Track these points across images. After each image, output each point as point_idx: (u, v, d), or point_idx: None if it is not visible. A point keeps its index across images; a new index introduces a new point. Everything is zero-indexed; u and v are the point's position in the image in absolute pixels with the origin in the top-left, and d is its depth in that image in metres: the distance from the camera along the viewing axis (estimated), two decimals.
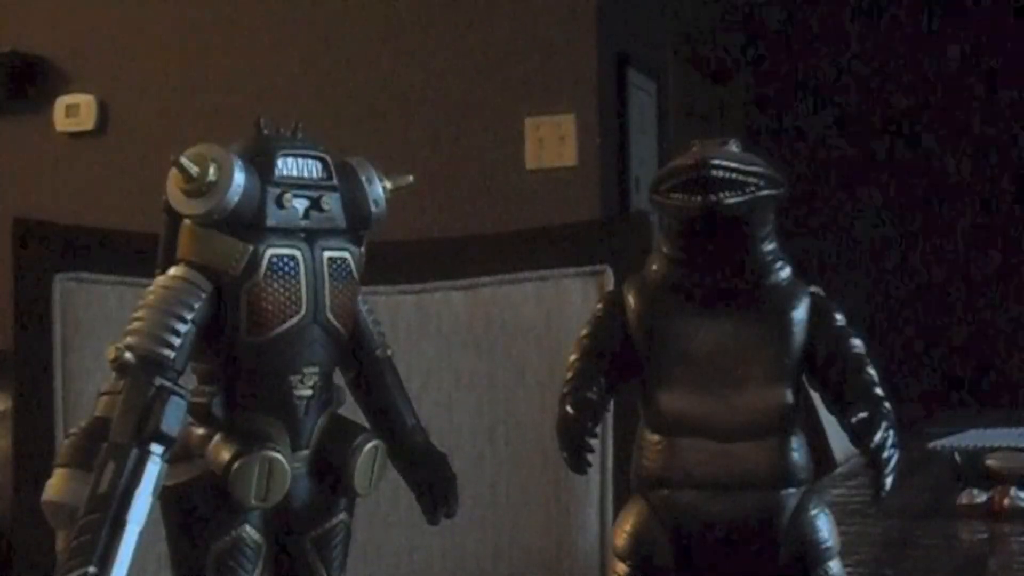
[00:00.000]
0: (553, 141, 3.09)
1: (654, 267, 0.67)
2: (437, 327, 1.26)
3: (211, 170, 0.61)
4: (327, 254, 0.65)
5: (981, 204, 4.69)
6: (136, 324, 0.61)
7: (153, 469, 0.58)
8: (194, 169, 0.61)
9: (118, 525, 0.56)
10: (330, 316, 0.65)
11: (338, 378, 0.68)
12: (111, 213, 2.51)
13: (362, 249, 0.68)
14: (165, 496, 0.61)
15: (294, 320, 0.63)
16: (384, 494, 1.23)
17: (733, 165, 0.63)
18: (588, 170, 3.09)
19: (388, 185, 0.69)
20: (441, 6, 3.21)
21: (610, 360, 0.67)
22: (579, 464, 0.65)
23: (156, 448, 0.58)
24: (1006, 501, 1.21)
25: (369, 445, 0.66)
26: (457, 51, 3.18)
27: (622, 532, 0.65)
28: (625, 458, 0.65)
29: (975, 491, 1.24)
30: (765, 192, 0.63)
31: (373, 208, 0.68)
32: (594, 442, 0.65)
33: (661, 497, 0.64)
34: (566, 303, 1.24)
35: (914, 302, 4.72)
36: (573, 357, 0.67)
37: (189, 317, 0.61)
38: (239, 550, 0.62)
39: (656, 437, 0.65)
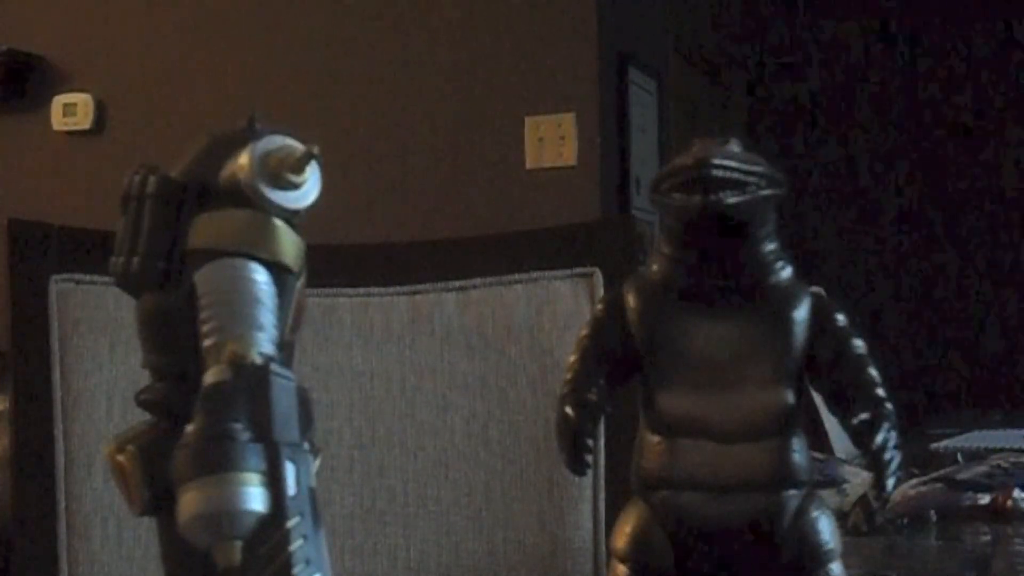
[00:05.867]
0: (553, 141, 3.09)
1: (654, 267, 0.66)
2: (430, 328, 1.26)
3: (310, 167, 0.58)
4: None
5: (984, 203, 4.68)
6: (247, 321, 0.57)
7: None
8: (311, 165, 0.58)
9: (318, 525, 0.55)
10: None
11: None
12: (109, 213, 2.49)
13: None
14: None
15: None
16: (380, 492, 1.24)
17: (734, 165, 0.62)
18: (588, 170, 3.08)
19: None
20: (441, 6, 3.21)
21: (610, 361, 0.66)
22: (578, 465, 0.64)
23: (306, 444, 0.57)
24: (1009, 503, 1.21)
25: None
26: (457, 51, 3.17)
27: (622, 534, 0.65)
28: (618, 456, 0.64)
29: (976, 492, 1.24)
30: (766, 192, 0.63)
31: None
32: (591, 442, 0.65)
33: (661, 498, 0.64)
34: (556, 304, 1.25)
35: (916, 302, 4.72)
36: (573, 358, 0.67)
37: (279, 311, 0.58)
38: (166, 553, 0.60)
39: (656, 438, 0.64)
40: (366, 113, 3.18)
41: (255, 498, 0.53)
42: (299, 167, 0.58)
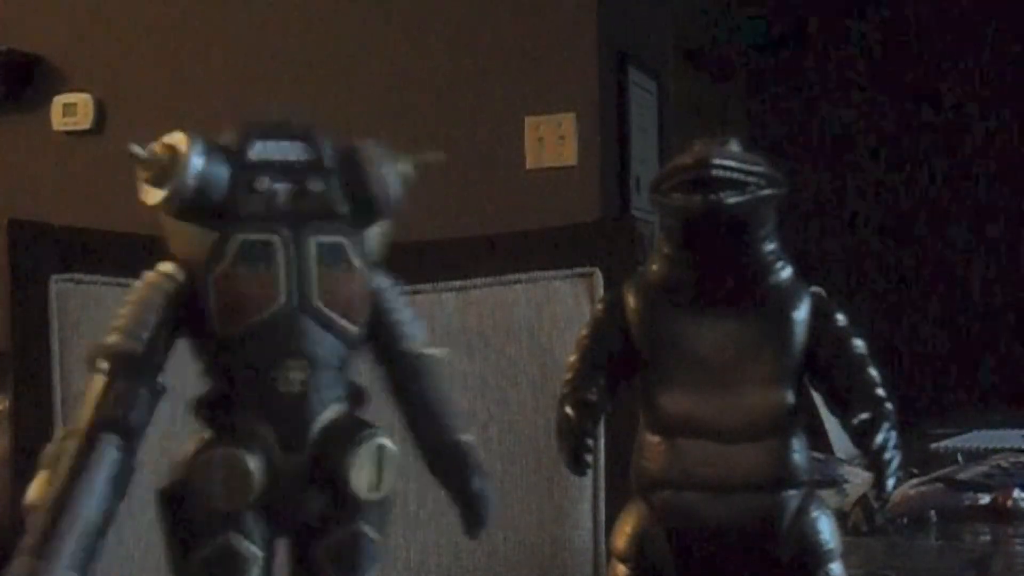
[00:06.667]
0: (553, 140, 3.09)
1: (654, 267, 0.66)
2: (430, 328, 1.26)
3: (167, 155, 0.59)
4: (317, 239, 0.61)
5: (987, 201, 4.68)
6: (113, 322, 0.60)
7: (100, 458, 0.57)
8: (141, 153, 0.59)
9: (62, 514, 0.56)
10: (320, 304, 0.60)
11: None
12: (108, 213, 2.50)
13: (371, 234, 0.63)
14: (157, 498, 0.59)
15: (272, 309, 0.59)
16: None
17: (734, 164, 0.62)
18: (588, 170, 3.08)
19: (406, 166, 0.64)
20: (441, 5, 3.20)
21: (610, 360, 0.66)
22: (578, 465, 0.64)
23: (109, 437, 0.57)
24: (1009, 503, 1.20)
25: (369, 444, 0.59)
26: (457, 51, 3.17)
27: (622, 534, 0.65)
28: (618, 456, 0.64)
29: (976, 492, 1.24)
30: (766, 192, 0.63)
31: (378, 191, 0.63)
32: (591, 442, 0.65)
33: (661, 499, 0.64)
34: (556, 304, 1.25)
35: (917, 301, 4.72)
36: (573, 358, 0.67)
37: (159, 311, 0.60)
38: (225, 559, 0.58)
39: (656, 438, 0.64)
40: (366, 113, 3.18)
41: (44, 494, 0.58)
42: (143, 165, 0.60)
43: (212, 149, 0.60)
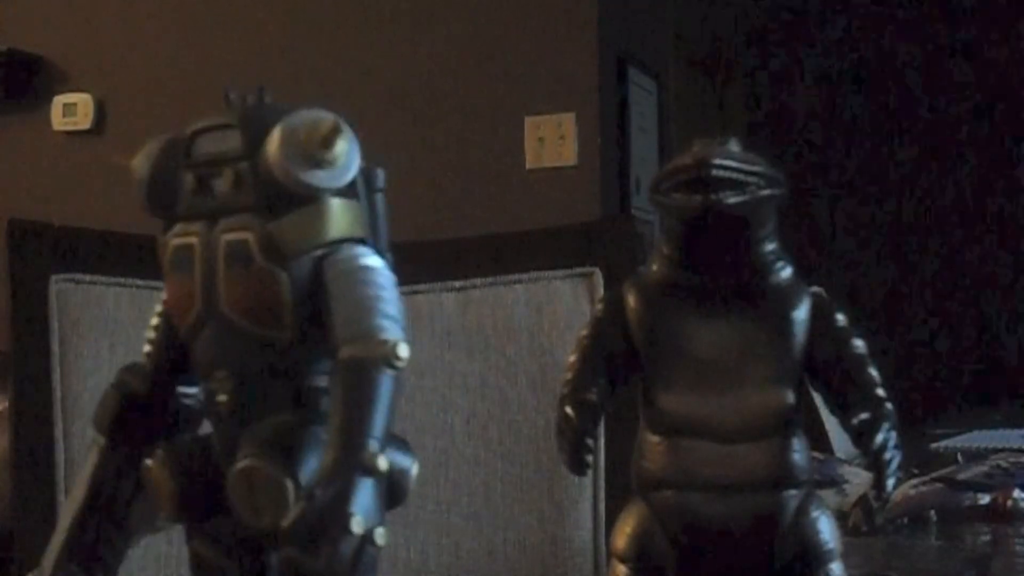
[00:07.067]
0: (553, 140, 3.09)
1: (654, 267, 0.66)
2: (430, 328, 1.26)
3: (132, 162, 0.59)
4: (225, 237, 0.55)
5: (986, 201, 4.68)
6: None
7: (87, 461, 0.61)
8: (122, 163, 0.60)
9: (62, 514, 0.61)
10: (226, 311, 0.55)
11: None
12: (108, 213, 2.50)
13: (300, 220, 0.55)
14: None
15: (191, 317, 0.56)
16: None
17: (734, 165, 0.62)
18: (588, 169, 3.08)
19: (324, 140, 0.54)
20: (441, 5, 3.20)
21: (610, 360, 0.66)
22: (578, 465, 0.64)
23: (96, 439, 0.61)
24: (1009, 503, 1.20)
25: (238, 468, 0.53)
26: (457, 50, 3.17)
27: (623, 534, 0.65)
28: (618, 456, 0.64)
29: (976, 492, 1.24)
30: (766, 192, 0.63)
31: (278, 172, 0.54)
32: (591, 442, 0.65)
33: (662, 499, 0.64)
34: (556, 304, 1.25)
35: (917, 301, 4.72)
36: (573, 358, 0.67)
37: (157, 319, 0.61)
38: (194, 563, 0.58)
39: (656, 438, 0.64)
40: (367, 114, 3.17)
41: None
42: None
43: (169, 152, 0.58)
